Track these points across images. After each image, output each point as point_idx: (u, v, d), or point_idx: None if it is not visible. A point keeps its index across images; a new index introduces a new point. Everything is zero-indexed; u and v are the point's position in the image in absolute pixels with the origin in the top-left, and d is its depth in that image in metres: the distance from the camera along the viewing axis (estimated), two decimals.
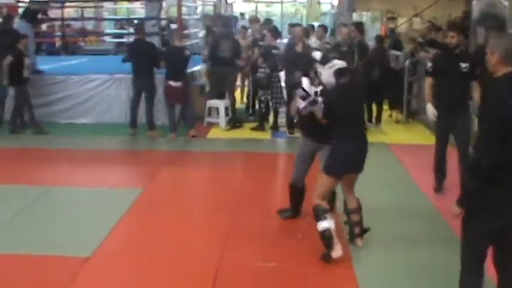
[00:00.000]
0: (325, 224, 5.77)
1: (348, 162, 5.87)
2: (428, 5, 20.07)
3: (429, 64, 8.07)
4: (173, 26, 15.21)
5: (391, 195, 8.03)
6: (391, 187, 8.45)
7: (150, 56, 11.11)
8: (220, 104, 12.33)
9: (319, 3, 23.69)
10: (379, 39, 13.48)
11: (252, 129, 11.96)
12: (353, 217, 6.22)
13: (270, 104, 11.80)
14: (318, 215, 5.81)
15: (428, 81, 7.98)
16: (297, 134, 11.20)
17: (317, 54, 6.15)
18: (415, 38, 15.03)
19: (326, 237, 5.76)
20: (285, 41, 13.89)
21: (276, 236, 6.58)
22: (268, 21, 15.46)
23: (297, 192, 6.88)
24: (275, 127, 11.90)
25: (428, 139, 9.89)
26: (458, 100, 7.58)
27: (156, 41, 12.73)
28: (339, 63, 5.92)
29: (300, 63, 10.82)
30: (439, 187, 8.06)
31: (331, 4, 25.40)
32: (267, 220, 6.96)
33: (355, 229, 6.23)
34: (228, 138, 11.47)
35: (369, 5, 24.15)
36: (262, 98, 11.85)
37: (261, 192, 8.23)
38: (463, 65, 7.50)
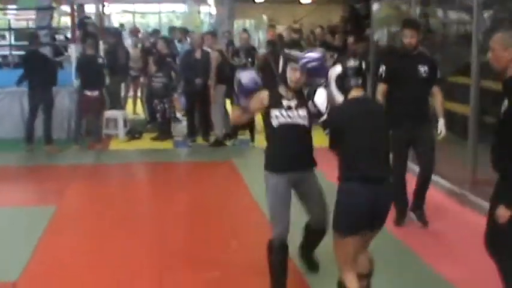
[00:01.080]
0: None
1: (360, 214, 4.12)
2: (307, 13, 20.69)
3: (382, 68, 6.79)
4: (60, 36, 14.81)
5: None
6: None
7: (46, 68, 10.69)
8: (118, 115, 12.06)
9: (199, 12, 23.82)
10: (272, 43, 13.67)
11: (153, 139, 11.80)
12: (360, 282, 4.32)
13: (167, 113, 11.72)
14: None
15: (380, 89, 6.73)
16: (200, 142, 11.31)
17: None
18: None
19: None
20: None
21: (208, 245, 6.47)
22: (156, 31, 15.39)
23: (284, 253, 4.98)
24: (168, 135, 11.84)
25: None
26: (419, 109, 6.58)
27: (47, 51, 12.29)
28: (334, 70, 4.38)
29: (199, 69, 10.93)
30: (400, 219, 6.69)
31: (210, 13, 25.51)
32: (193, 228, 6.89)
33: None
34: (131, 149, 11.30)
35: (248, 12, 24.50)
36: (159, 107, 11.68)
37: (177, 201, 8.13)
38: (422, 68, 6.56)
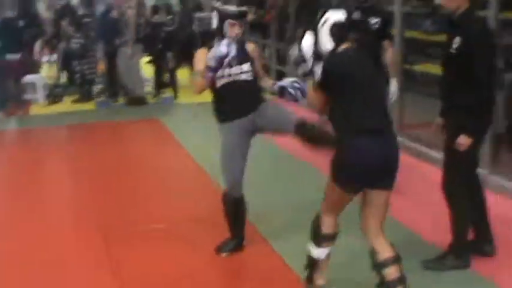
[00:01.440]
0: (316, 252, 4.09)
1: (370, 171, 3.73)
2: None
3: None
4: None
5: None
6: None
7: None
8: (37, 79, 11.75)
9: None
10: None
11: (74, 101, 11.62)
12: (390, 272, 3.79)
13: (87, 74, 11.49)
14: (313, 235, 4.08)
15: None
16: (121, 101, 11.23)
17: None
18: None
19: (309, 265, 4.16)
20: None
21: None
22: None
23: (238, 205, 5.00)
24: (89, 97, 11.66)
25: None
26: None
27: None
28: (334, 16, 3.88)
29: (116, 30, 10.81)
30: None
31: None
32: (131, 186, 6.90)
33: None
34: (52, 113, 11.06)
35: None
36: (77, 68, 11.45)
37: (110, 160, 8.06)
38: (373, 20, 6.03)
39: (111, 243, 5.32)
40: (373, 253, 3.80)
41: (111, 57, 11.12)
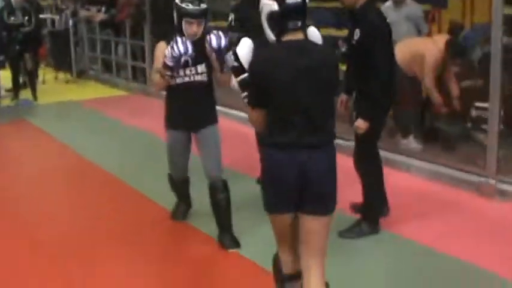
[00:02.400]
0: None
1: (281, 190, 3.25)
2: None
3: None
4: None
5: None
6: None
7: None
8: None
9: None
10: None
11: None
12: None
13: None
14: (276, 277, 3.61)
15: None
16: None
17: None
18: None
19: None
20: None
21: None
22: None
23: (184, 184, 5.51)
24: None
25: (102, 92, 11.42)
26: None
27: None
28: (267, 3, 3.29)
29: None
30: None
31: None
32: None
33: None
34: None
35: None
36: None
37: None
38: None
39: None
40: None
41: None
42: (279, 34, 3.28)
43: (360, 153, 5.15)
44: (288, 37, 3.27)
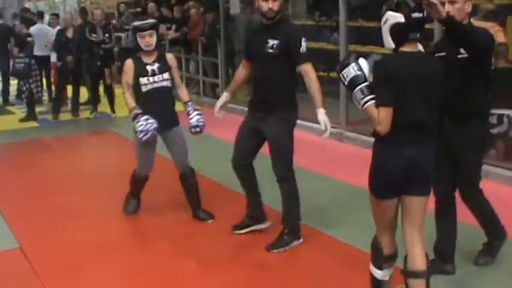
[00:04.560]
0: (379, 274, 4.12)
1: (393, 176, 3.85)
2: None
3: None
4: None
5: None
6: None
7: None
8: None
9: None
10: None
11: (21, 120, 11.87)
12: (414, 284, 3.97)
13: (34, 93, 11.76)
14: (374, 258, 4.15)
15: (240, 65, 5.89)
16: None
17: None
18: None
19: (373, 287, 4.22)
20: None
21: None
22: None
23: (144, 181, 6.39)
24: (34, 116, 11.96)
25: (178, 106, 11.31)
26: (266, 93, 5.43)
27: None
28: (394, 16, 3.78)
29: (70, 48, 11.36)
30: None
31: None
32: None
33: None
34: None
35: None
36: (24, 88, 11.71)
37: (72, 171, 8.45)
38: (271, 42, 5.28)
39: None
40: (405, 260, 3.98)
41: (63, 74, 11.70)
42: (399, 43, 3.81)
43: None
44: (406, 47, 3.81)
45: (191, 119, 6.02)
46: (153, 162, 6.23)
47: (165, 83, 5.93)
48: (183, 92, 6.21)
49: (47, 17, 15.04)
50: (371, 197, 3.98)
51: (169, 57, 6.14)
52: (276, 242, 5.45)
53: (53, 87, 13.16)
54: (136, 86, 5.89)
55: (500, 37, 7.25)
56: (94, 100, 12.15)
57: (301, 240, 5.52)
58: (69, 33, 11.46)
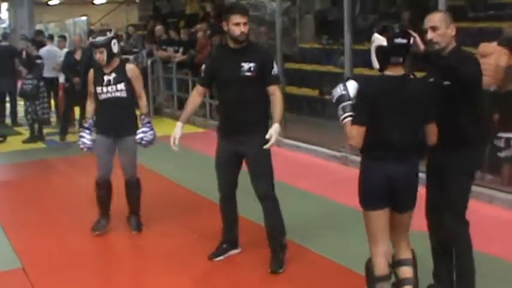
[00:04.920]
0: None
1: (376, 187, 4.15)
2: (104, 14, 21.34)
3: (202, 68, 5.70)
4: None
5: None
6: None
7: None
8: None
9: None
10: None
11: (25, 142, 11.91)
12: (403, 271, 4.30)
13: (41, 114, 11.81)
14: (368, 279, 4.39)
15: (195, 92, 5.81)
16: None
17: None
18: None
19: None
20: None
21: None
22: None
23: (107, 188, 6.62)
24: (41, 137, 11.99)
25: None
26: (243, 116, 5.45)
27: None
28: (378, 38, 4.07)
29: (79, 70, 11.44)
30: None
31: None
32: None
33: None
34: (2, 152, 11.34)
35: (42, 16, 24.43)
36: (30, 109, 11.77)
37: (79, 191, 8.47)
38: (246, 65, 5.35)
39: None
40: (392, 255, 4.26)
41: (71, 95, 11.80)
42: (382, 65, 4.08)
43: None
44: (389, 70, 4.06)
45: (138, 133, 6.37)
46: (111, 169, 6.50)
47: (118, 94, 6.23)
48: (142, 104, 6.46)
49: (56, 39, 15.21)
50: (363, 211, 4.24)
51: (129, 68, 6.42)
52: (276, 263, 5.49)
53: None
54: (95, 95, 6.30)
55: (502, 61, 7.27)
56: None
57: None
58: (78, 55, 11.54)
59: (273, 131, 5.24)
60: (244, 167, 5.59)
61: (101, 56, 6.16)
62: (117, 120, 6.29)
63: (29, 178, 9.39)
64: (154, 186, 7.88)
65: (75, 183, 8.92)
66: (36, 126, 11.96)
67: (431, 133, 4.22)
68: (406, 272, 4.24)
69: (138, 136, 6.33)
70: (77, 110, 12.27)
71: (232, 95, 5.46)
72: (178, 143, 5.49)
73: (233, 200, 5.73)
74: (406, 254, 4.28)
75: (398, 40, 4.01)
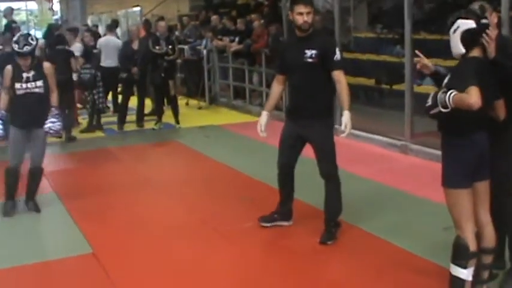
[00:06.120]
0: (465, 274, 4.27)
1: (474, 163, 4.24)
2: (155, 5, 21.44)
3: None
4: None
5: None
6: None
7: None
8: None
9: (50, 9, 23.73)
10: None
11: (81, 131, 11.94)
12: (483, 258, 4.40)
13: (97, 103, 11.88)
14: (460, 257, 4.30)
15: (275, 79, 6.15)
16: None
17: None
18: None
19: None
20: None
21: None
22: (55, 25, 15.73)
23: (15, 174, 7.03)
24: (99, 126, 12.16)
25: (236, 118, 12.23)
26: (305, 100, 5.78)
27: None
28: (465, 23, 4.19)
29: (136, 59, 11.60)
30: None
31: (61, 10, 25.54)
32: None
33: (483, 273, 4.45)
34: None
35: (94, 8, 24.73)
36: (88, 98, 11.89)
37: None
38: (309, 52, 5.64)
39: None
40: (477, 237, 4.32)
41: (128, 84, 11.94)
42: (470, 46, 4.19)
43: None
44: (475, 52, 4.20)
45: (47, 123, 6.87)
46: (22, 159, 7.01)
47: (37, 90, 6.76)
48: (53, 98, 6.95)
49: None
50: (450, 193, 4.25)
51: (46, 66, 6.96)
52: (326, 235, 5.81)
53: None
54: (12, 89, 6.74)
55: None
56: (158, 111, 12.26)
57: None
58: (135, 46, 11.66)
59: (346, 120, 5.53)
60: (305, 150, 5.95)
61: (25, 62, 6.65)
62: (30, 113, 6.77)
63: (91, 166, 9.53)
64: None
65: (135, 172, 9.04)
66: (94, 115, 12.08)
67: (501, 108, 4.36)
68: (487, 258, 4.43)
69: (47, 125, 6.86)
70: (133, 100, 12.42)
71: (297, 80, 5.84)
72: (265, 129, 5.93)
73: (290, 175, 6.07)
74: (492, 243, 4.41)
75: (484, 21, 4.19)
